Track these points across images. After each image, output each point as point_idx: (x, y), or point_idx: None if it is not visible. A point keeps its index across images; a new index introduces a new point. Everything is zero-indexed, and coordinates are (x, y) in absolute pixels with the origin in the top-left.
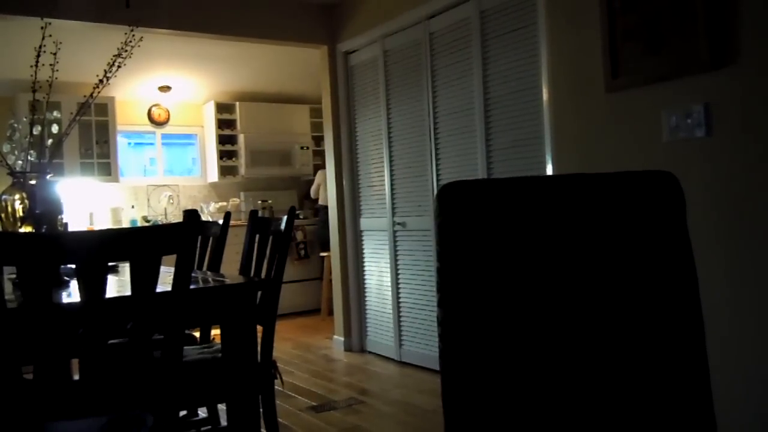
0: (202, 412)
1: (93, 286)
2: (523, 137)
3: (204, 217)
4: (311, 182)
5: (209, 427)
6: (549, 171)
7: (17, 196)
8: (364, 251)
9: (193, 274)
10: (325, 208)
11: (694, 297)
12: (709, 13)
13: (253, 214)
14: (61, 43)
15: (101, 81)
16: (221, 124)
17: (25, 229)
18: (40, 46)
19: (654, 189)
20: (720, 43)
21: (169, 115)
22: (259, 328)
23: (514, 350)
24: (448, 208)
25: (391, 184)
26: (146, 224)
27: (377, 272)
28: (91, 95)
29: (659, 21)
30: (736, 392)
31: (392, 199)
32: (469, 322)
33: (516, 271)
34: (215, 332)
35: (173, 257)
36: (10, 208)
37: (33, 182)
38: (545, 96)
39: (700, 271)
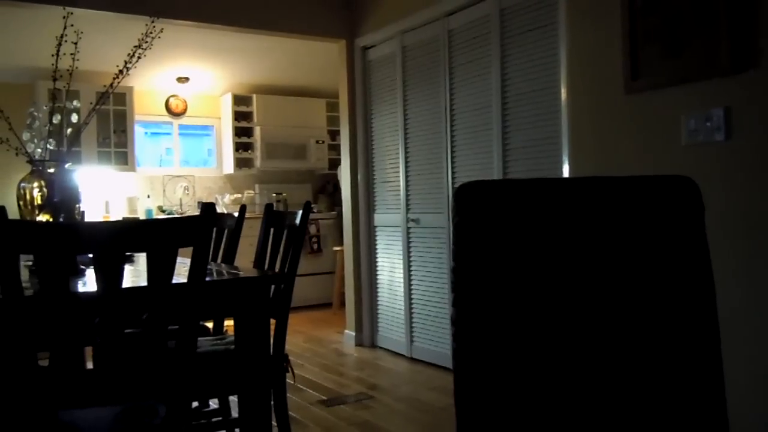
0: (214, 404)
1: (110, 276)
2: (540, 137)
3: (219, 209)
4: (326, 176)
5: (220, 418)
6: (565, 172)
7: (36, 184)
8: (377, 247)
9: (207, 267)
10: None
11: (711, 303)
12: (731, 17)
13: (268, 207)
14: (82, 32)
15: (121, 72)
16: (238, 116)
17: (44, 217)
18: (62, 36)
19: (672, 194)
20: (741, 46)
21: (186, 106)
22: (272, 321)
23: (528, 351)
24: (466, 208)
25: (406, 181)
26: (161, 214)
27: (390, 268)
28: (111, 85)
29: (680, 23)
30: (750, 398)
31: (407, 195)
32: (484, 322)
33: (531, 274)
34: (228, 324)
35: (187, 248)
36: (28, 196)
37: (52, 171)
38: (563, 96)
39: (718, 277)
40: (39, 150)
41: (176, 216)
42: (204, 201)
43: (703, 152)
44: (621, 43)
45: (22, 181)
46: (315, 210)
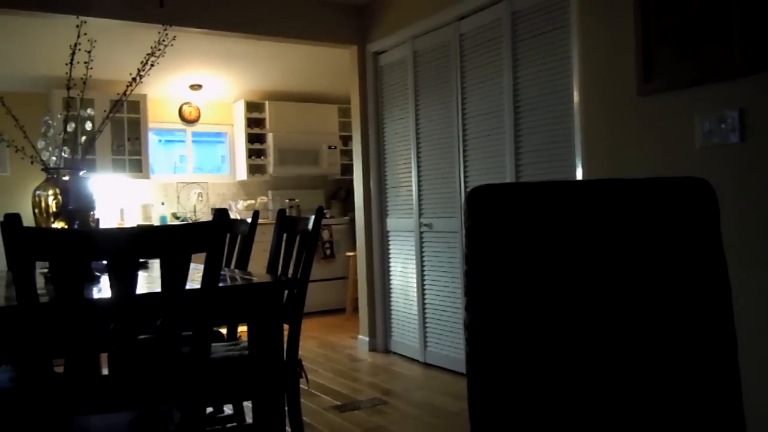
0: (228, 409)
1: (124, 283)
2: (553, 140)
3: (232, 215)
4: (339, 182)
5: (234, 423)
6: (579, 175)
7: (51, 192)
8: (390, 252)
9: (221, 272)
10: None
11: (727, 305)
12: (745, 18)
13: (281, 213)
14: (95, 41)
15: (134, 79)
16: (251, 122)
17: (59, 224)
18: (76, 44)
19: (687, 196)
20: (756, 47)
21: (199, 113)
22: (286, 326)
23: (542, 356)
24: (478, 212)
25: (419, 185)
26: (175, 221)
27: (403, 273)
28: (125, 93)
29: (694, 24)
30: (766, 399)
31: (419, 200)
32: (497, 326)
33: (545, 277)
34: (242, 329)
35: (200, 253)
36: (44, 204)
37: (66, 178)
38: (576, 99)
39: (733, 280)
40: (54, 158)
41: (190, 222)
42: (217, 207)
43: (718, 154)
44: (634, 45)
45: (37, 188)
46: (328, 215)
